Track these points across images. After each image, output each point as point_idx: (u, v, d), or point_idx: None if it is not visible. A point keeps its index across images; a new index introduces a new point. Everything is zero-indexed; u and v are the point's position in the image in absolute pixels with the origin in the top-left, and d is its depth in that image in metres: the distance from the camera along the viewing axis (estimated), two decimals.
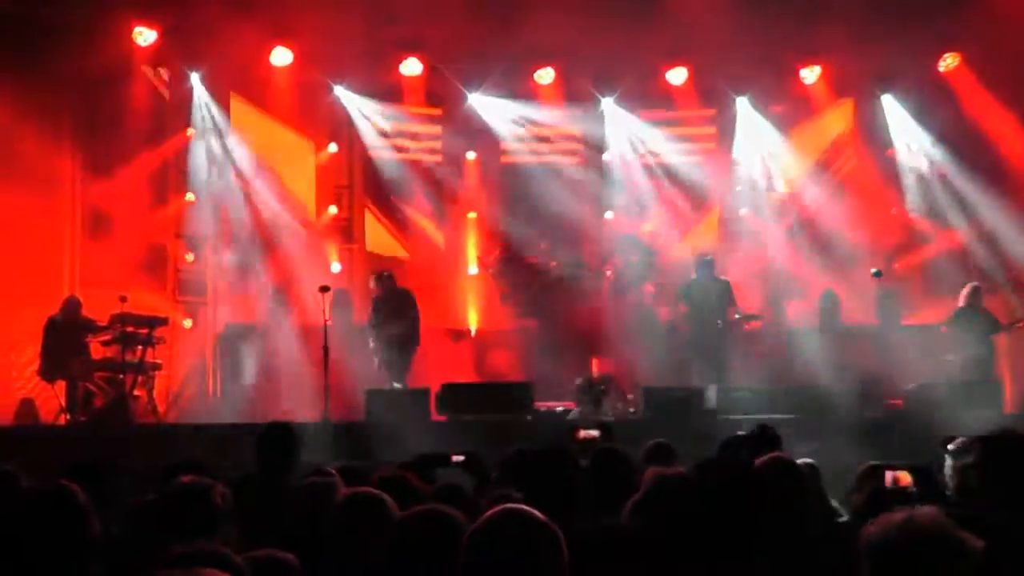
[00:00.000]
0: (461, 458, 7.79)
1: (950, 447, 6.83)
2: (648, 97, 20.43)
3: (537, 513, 3.16)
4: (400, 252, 19.98)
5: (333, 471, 6.13)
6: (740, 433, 7.48)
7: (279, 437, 7.13)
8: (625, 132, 20.59)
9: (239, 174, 18.99)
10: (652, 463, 7.41)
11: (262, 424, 7.69)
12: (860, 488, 6.46)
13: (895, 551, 2.59)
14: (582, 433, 10.02)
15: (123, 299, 14.41)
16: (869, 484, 6.40)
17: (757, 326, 15.44)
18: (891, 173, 20.26)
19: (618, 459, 6.39)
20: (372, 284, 15.88)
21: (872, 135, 20.32)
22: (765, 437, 7.17)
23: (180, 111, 18.34)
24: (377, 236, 20.23)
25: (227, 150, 18.84)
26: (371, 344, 15.35)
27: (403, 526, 3.64)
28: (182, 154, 18.50)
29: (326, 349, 14.33)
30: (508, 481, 5.60)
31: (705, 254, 15.66)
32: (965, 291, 16.42)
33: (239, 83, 18.99)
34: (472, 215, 20.10)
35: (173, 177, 18.54)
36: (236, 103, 19.12)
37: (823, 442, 11.67)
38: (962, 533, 2.61)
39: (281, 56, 18.57)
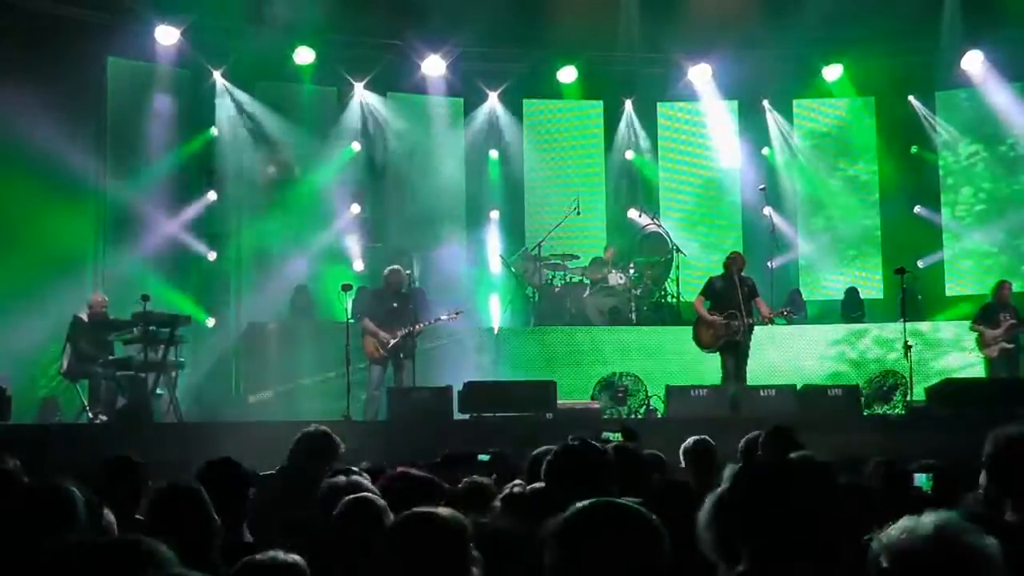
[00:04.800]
0: (487, 457, 7.78)
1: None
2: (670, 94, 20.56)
3: (635, 505, 3.06)
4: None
5: (358, 471, 6.12)
6: (756, 433, 7.43)
7: (317, 447, 7.08)
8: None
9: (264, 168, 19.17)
10: (695, 460, 7.44)
11: (284, 424, 7.66)
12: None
13: (916, 559, 2.56)
14: (604, 436, 9.98)
15: (145, 298, 14.42)
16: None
17: (773, 316, 15.32)
18: (915, 170, 20.22)
19: (633, 457, 6.37)
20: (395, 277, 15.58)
21: (895, 132, 20.29)
22: (782, 437, 7.13)
23: (203, 109, 18.37)
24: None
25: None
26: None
27: (395, 531, 3.58)
28: (205, 152, 18.55)
29: (347, 347, 14.35)
30: (537, 480, 5.58)
31: (732, 252, 15.61)
32: (994, 286, 16.35)
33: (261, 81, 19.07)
34: (495, 213, 20.09)
35: (195, 176, 18.60)
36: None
37: (845, 439, 11.67)
38: (986, 540, 2.57)
39: (303, 55, 18.66)
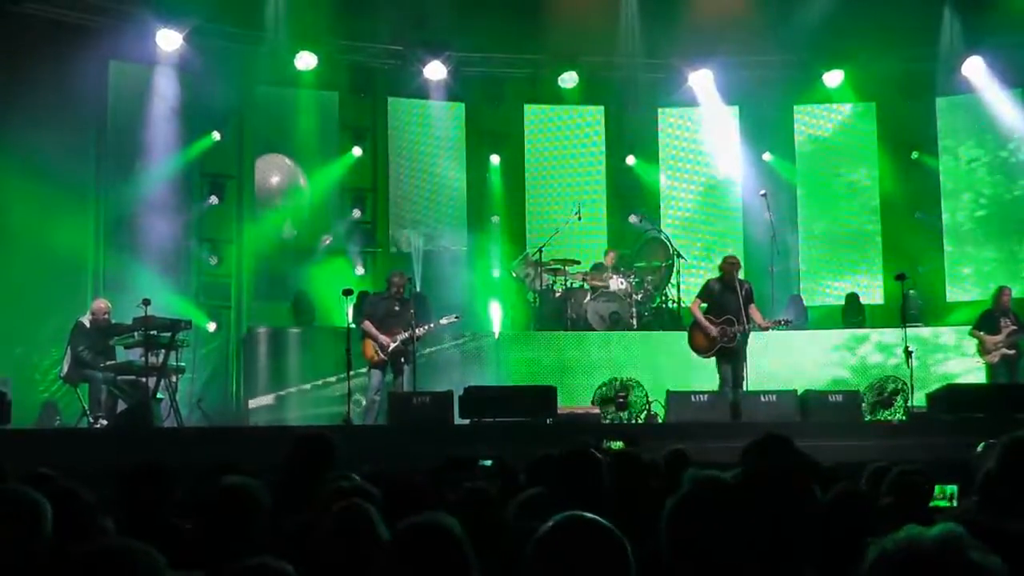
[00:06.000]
0: (489, 462, 7.76)
1: (977, 450, 6.77)
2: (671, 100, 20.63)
3: (603, 521, 3.10)
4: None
5: (359, 477, 6.10)
6: (755, 440, 7.41)
7: (313, 449, 7.03)
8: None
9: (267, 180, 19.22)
10: (670, 471, 7.40)
11: (287, 428, 7.63)
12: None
13: (915, 572, 2.52)
14: (606, 444, 9.98)
15: (146, 302, 14.42)
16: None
17: (768, 327, 15.26)
18: (916, 176, 20.22)
19: (636, 463, 6.37)
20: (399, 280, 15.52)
21: (896, 138, 20.31)
22: (777, 443, 7.09)
23: (204, 114, 18.33)
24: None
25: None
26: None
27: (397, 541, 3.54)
28: (206, 157, 18.54)
29: (348, 352, 14.34)
30: (536, 485, 5.59)
31: (729, 256, 15.57)
32: (995, 292, 16.35)
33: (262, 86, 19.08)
34: (496, 218, 20.10)
35: (197, 180, 18.60)
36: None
37: (846, 445, 11.68)
38: (990, 558, 2.53)
39: (305, 60, 18.67)
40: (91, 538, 4.04)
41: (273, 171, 19.37)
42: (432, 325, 15.27)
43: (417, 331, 14.88)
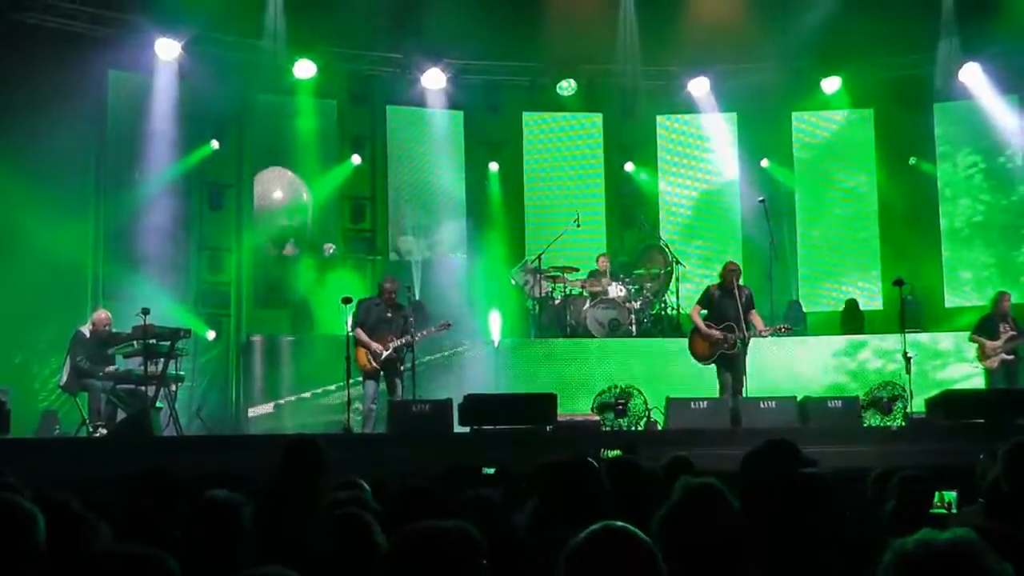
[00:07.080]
0: (491, 470, 7.75)
1: (982, 456, 6.77)
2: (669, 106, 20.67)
3: (635, 530, 3.12)
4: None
5: (364, 484, 6.10)
6: (757, 448, 7.40)
7: (305, 453, 6.98)
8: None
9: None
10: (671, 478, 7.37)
11: (285, 436, 7.61)
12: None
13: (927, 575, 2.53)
14: (603, 453, 9.98)
15: (145, 311, 14.41)
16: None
17: (768, 334, 15.23)
18: (913, 182, 20.23)
19: (636, 470, 6.35)
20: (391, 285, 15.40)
21: (894, 144, 20.32)
22: (783, 450, 7.09)
23: (202, 122, 18.32)
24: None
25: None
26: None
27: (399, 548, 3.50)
28: (205, 165, 18.53)
29: (348, 360, 14.33)
30: (537, 493, 5.58)
31: (729, 262, 15.55)
32: (994, 298, 16.35)
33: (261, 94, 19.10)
34: (496, 224, 20.12)
35: (196, 188, 18.60)
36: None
37: (845, 451, 11.69)
38: (1003, 565, 2.54)
39: (304, 68, 18.69)
40: (81, 548, 4.04)
41: (275, 186, 19.38)
42: (425, 332, 15.20)
43: (412, 338, 14.81)
